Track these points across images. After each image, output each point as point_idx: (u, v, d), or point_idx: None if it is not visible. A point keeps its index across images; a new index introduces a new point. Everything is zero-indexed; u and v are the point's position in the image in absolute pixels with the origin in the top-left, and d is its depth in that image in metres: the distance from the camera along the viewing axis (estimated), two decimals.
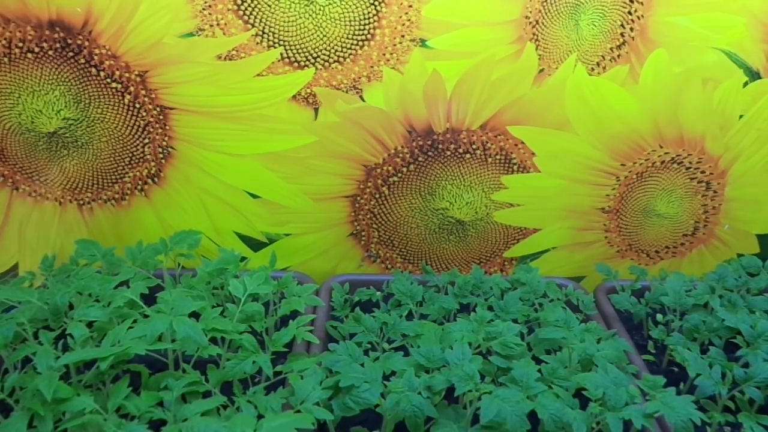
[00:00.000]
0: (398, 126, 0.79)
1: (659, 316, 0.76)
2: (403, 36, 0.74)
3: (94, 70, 0.73)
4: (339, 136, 0.78)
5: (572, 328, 0.63)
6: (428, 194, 0.84)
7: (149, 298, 0.58)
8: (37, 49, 0.72)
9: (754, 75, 0.80)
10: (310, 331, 0.60)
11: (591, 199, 0.86)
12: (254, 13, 0.72)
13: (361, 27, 0.73)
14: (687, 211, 0.89)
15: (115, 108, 0.76)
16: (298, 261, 0.86)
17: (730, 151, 0.84)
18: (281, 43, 0.73)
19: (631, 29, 0.77)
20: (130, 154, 0.79)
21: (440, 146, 0.81)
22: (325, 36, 0.73)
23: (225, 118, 0.76)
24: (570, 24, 0.76)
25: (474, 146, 0.81)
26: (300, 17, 0.72)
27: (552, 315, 0.65)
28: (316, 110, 0.77)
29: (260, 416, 0.49)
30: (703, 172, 0.86)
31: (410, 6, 0.73)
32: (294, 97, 0.76)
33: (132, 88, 0.74)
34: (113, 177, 0.80)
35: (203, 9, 0.71)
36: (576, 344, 0.60)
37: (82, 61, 0.73)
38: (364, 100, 0.77)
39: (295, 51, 0.74)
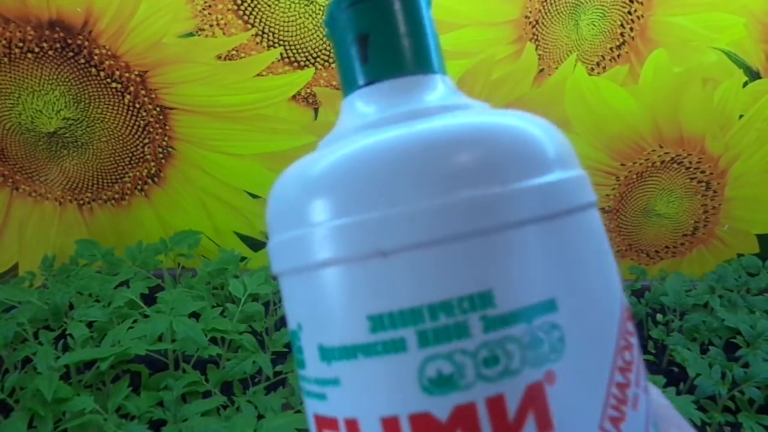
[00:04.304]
0: None
1: (659, 316, 0.76)
2: None
3: (94, 70, 0.73)
4: None
5: None
6: None
7: (149, 298, 0.58)
8: (37, 49, 0.72)
9: (753, 75, 0.80)
10: None
11: None
12: (254, 13, 0.72)
13: None
14: (687, 211, 0.89)
15: (115, 108, 0.76)
16: None
17: (729, 151, 0.84)
18: (281, 43, 0.73)
19: (631, 29, 0.77)
20: (130, 154, 0.79)
21: None
22: (324, 36, 0.73)
23: (225, 118, 0.76)
24: (570, 24, 0.76)
25: None
26: (300, 17, 0.72)
27: None
28: (316, 110, 0.77)
29: (260, 416, 0.49)
30: (702, 171, 0.86)
31: None
32: (294, 97, 0.76)
33: (132, 88, 0.74)
34: (113, 177, 0.80)
35: (203, 9, 0.71)
36: None
37: (82, 61, 0.73)
38: None
39: (295, 51, 0.74)
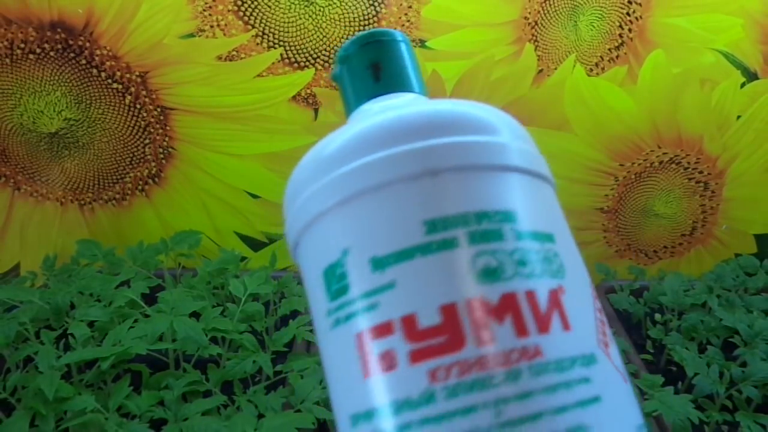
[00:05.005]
0: None
1: (657, 316, 0.76)
2: None
3: (95, 71, 0.73)
4: None
5: None
6: None
7: (150, 298, 0.58)
8: (38, 50, 0.72)
9: (751, 76, 0.80)
10: (310, 331, 0.60)
11: (590, 199, 0.86)
12: (254, 14, 0.72)
13: (361, 28, 0.74)
14: (685, 211, 0.89)
15: (116, 108, 0.76)
16: None
17: (727, 152, 0.84)
18: (281, 43, 0.74)
19: (630, 30, 0.77)
20: (131, 155, 0.79)
21: None
22: (324, 37, 0.74)
23: (225, 118, 0.77)
24: (569, 25, 0.76)
25: None
26: (300, 18, 0.73)
27: None
28: (316, 110, 0.77)
29: (261, 415, 0.49)
30: (701, 172, 0.86)
31: (410, 7, 0.73)
32: (294, 97, 0.76)
33: (133, 89, 0.75)
34: (114, 177, 0.80)
35: (204, 10, 0.71)
36: None
37: (84, 62, 0.73)
38: None
39: (295, 52, 0.74)
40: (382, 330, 0.17)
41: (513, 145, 0.20)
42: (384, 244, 0.18)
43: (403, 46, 0.24)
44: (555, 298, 0.17)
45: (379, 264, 0.17)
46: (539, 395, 0.15)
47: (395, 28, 0.74)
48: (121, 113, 0.76)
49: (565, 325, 0.17)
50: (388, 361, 0.17)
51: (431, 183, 0.18)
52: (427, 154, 0.18)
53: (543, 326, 0.16)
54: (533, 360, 0.16)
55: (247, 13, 0.72)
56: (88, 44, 0.72)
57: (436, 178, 0.18)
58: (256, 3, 0.71)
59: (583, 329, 0.17)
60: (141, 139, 0.78)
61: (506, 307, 0.16)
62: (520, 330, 0.16)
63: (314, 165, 0.20)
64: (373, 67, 0.23)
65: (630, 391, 0.18)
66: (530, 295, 0.17)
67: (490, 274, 0.17)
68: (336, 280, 0.18)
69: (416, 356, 0.16)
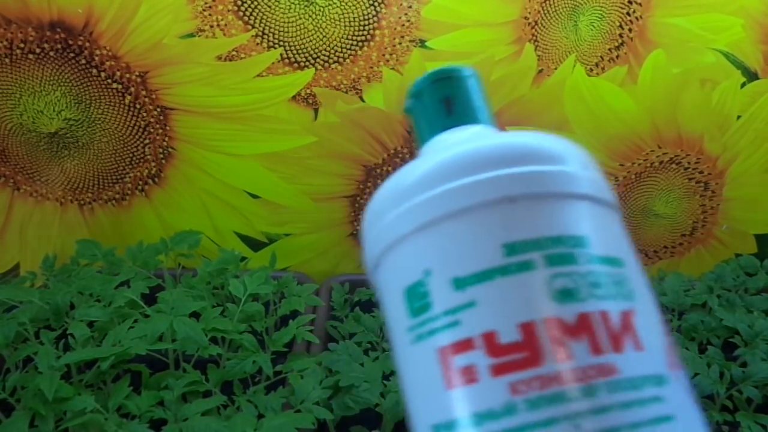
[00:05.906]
0: (398, 126, 0.79)
1: None
2: (402, 37, 0.75)
3: (95, 70, 0.73)
4: (339, 137, 0.79)
5: None
6: None
7: (150, 298, 0.58)
8: (38, 50, 0.72)
9: (751, 76, 0.80)
10: (310, 331, 0.60)
11: None
12: (254, 14, 0.72)
13: (361, 28, 0.74)
14: (685, 211, 0.89)
15: (116, 108, 0.76)
16: (298, 261, 0.86)
17: (728, 152, 0.84)
18: (281, 43, 0.74)
19: (630, 30, 0.77)
20: (131, 155, 0.79)
21: None
22: (324, 37, 0.74)
23: (225, 118, 0.76)
24: (569, 25, 0.76)
25: None
26: (300, 18, 0.73)
27: None
28: (316, 110, 0.77)
29: (260, 416, 0.49)
30: (701, 172, 0.86)
31: (410, 7, 0.73)
32: (294, 97, 0.76)
33: (132, 89, 0.75)
34: (114, 177, 0.80)
35: (203, 10, 0.71)
36: None
37: (83, 61, 0.73)
38: (363, 101, 0.77)
39: (294, 51, 0.74)
40: (464, 346, 0.18)
41: (584, 174, 0.20)
42: (465, 266, 0.18)
43: (472, 81, 0.25)
44: (627, 319, 0.18)
45: (460, 284, 0.18)
46: (615, 411, 0.16)
47: (395, 28, 0.74)
48: (121, 113, 0.76)
49: (638, 346, 0.18)
50: (470, 374, 0.17)
51: (509, 209, 0.19)
52: (506, 181, 0.19)
53: (617, 346, 0.17)
54: (609, 377, 0.17)
55: (247, 13, 0.72)
56: (87, 44, 0.72)
57: (514, 205, 0.19)
58: (256, 3, 0.71)
59: (655, 351, 0.18)
60: (141, 139, 0.78)
61: (582, 327, 0.17)
62: (596, 348, 0.17)
63: (395, 192, 0.21)
64: (445, 101, 0.25)
65: (700, 413, 0.19)
66: (604, 316, 0.18)
67: (566, 295, 0.18)
68: (418, 298, 0.19)
69: (498, 370, 0.17)
